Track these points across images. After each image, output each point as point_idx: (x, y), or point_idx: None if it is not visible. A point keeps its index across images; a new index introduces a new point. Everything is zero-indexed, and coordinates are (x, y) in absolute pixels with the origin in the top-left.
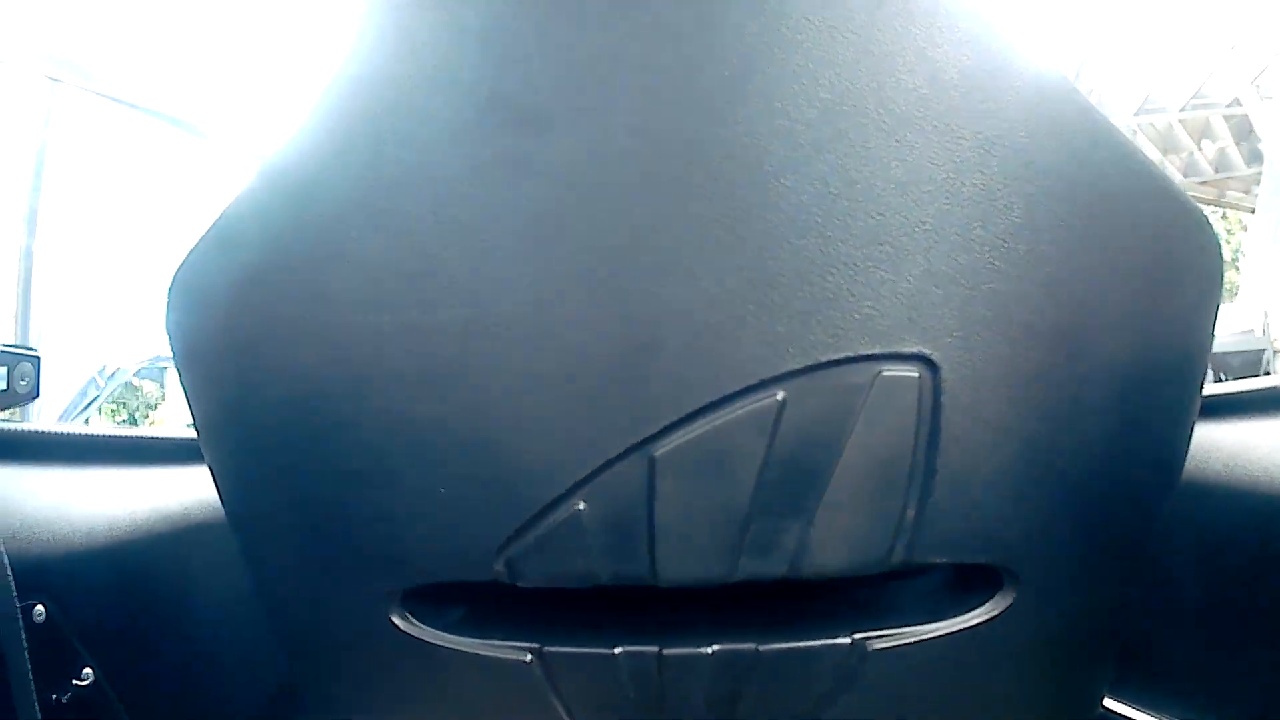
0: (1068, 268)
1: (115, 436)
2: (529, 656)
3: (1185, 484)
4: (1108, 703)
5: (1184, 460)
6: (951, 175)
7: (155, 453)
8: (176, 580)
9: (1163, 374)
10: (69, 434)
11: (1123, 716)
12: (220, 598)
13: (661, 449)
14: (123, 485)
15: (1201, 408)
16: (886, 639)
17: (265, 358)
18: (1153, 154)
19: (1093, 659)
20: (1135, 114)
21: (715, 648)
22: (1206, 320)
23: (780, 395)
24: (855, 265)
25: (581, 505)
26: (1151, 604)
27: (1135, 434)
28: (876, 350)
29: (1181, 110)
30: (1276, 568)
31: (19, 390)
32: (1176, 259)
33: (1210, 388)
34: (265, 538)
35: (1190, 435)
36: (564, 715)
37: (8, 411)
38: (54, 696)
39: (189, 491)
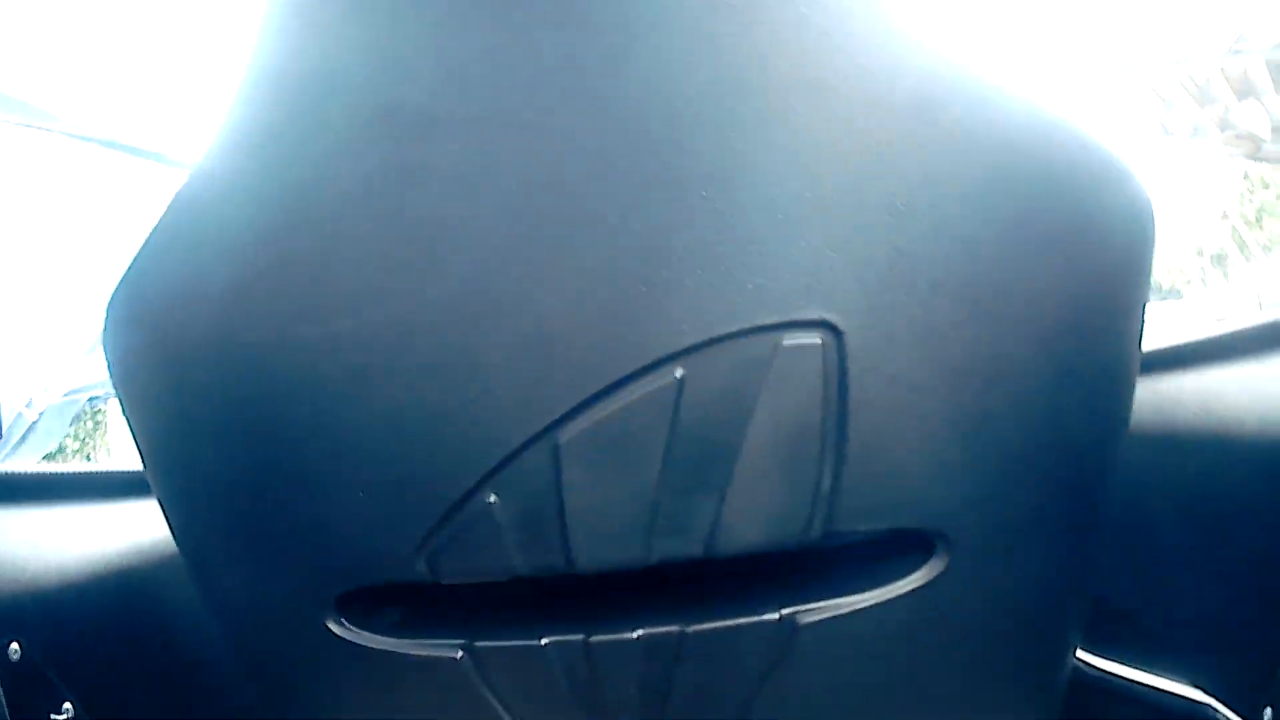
0: (975, 223)
1: (82, 474)
2: (459, 653)
3: (1156, 435)
4: (1094, 660)
5: (1125, 419)
6: (841, 137)
7: (123, 487)
8: (152, 612)
9: (1091, 326)
10: (36, 474)
11: (1110, 673)
12: (196, 627)
13: (565, 435)
14: (93, 521)
15: (1170, 358)
16: (817, 612)
17: (194, 374)
18: (1188, 105)
19: (1047, 619)
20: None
21: (641, 632)
22: (1139, 273)
23: (679, 373)
24: (748, 236)
25: (492, 498)
26: (1130, 557)
27: (1063, 389)
28: (775, 320)
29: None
30: (1254, 514)
31: None
32: (1096, 209)
33: (1177, 336)
34: (211, 558)
35: (1130, 393)
36: (500, 710)
37: None
38: None
39: (159, 524)
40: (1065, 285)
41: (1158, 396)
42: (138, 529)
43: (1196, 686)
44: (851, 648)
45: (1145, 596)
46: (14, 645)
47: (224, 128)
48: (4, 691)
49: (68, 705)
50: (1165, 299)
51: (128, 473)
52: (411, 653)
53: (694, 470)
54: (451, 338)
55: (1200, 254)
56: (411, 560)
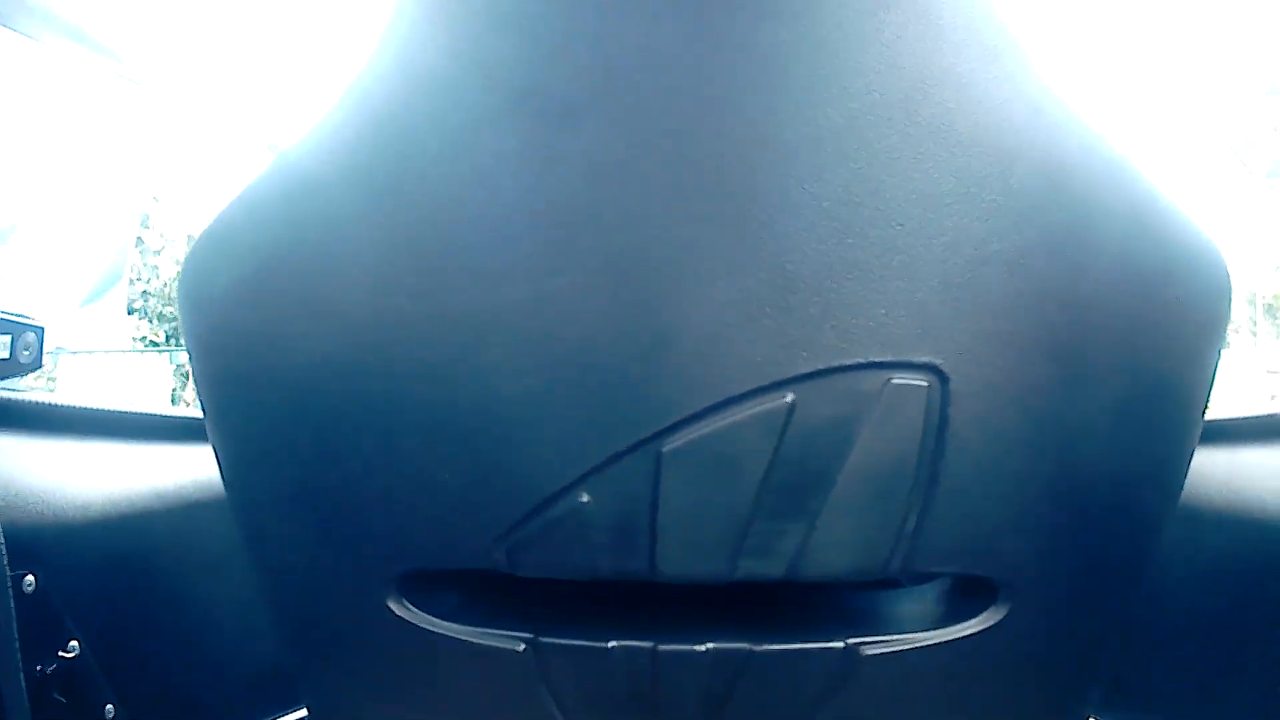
0: (1079, 288)
1: (116, 411)
2: (523, 646)
3: (1181, 508)
4: None
5: (1182, 484)
6: (971, 189)
7: (155, 430)
8: (169, 559)
9: (1166, 397)
10: (69, 406)
11: None
12: (212, 579)
13: (669, 445)
14: (121, 461)
15: (1202, 433)
16: (879, 645)
17: (276, 344)
18: (1270, 141)
19: (1080, 678)
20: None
21: (710, 646)
22: (1211, 346)
23: (790, 398)
24: (871, 272)
25: (585, 497)
26: (1142, 627)
27: (1136, 455)
28: (888, 358)
29: None
30: (1267, 595)
31: (22, 360)
32: (1184, 285)
33: (1212, 412)
34: (267, 521)
35: (1190, 460)
36: (553, 707)
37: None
38: (39, 667)
39: (186, 471)
40: (1148, 356)
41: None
42: (163, 474)
43: None
44: (907, 684)
45: (1148, 663)
46: (29, 577)
47: (338, 104)
48: (17, 623)
49: (75, 643)
50: None
51: (160, 416)
52: (473, 640)
53: (790, 494)
54: (570, 330)
55: (1252, 303)
56: (490, 548)
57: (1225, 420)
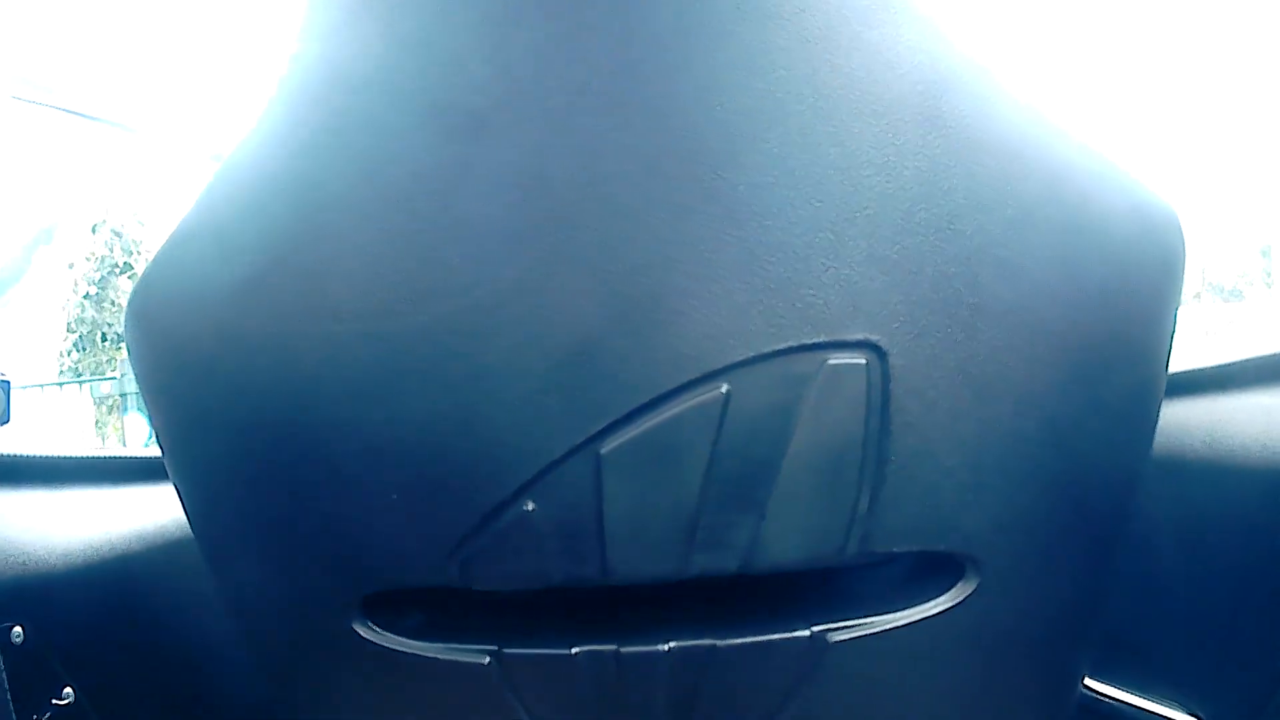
0: (1015, 248)
1: (88, 457)
2: (487, 659)
3: (1165, 462)
4: (1093, 684)
5: (1150, 444)
6: (892, 158)
7: (129, 472)
8: (155, 598)
9: (1123, 355)
10: (42, 456)
11: (1108, 697)
12: (200, 616)
13: (607, 446)
14: (99, 505)
15: (1180, 384)
16: (847, 630)
17: (222, 370)
18: None
19: (1066, 643)
20: None
21: (672, 645)
22: (1168, 303)
23: (724, 388)
24: (796, 253)
25: (530, 506)
26: (1133, 584)
27: (1095, 416)
28: (821, 338)
29: None
30: (1258, 543)
31: None
32: (1133, 239)
33: (1187, 363)
34: (230, 551)
35: (1156, 417)
36: (524, 717)
37: None
38: (33, 717)
39: (165, 511)
40: (1099, 313)
41: (1166, 423)
42: (142, 515)
43: (1192, 713)
44: (877, 667)
45: (1143, 620)
46: (16, 629)
47: (262, 120)
48: (6, 675)
49: (68, 690)
50: (1227, 300)
51: (133, 458)
52: (438, 657)
53: (735, 485)
54: (495, 342)
55: (1266, 255)
56: (443, 565)
57: (1202, 370)
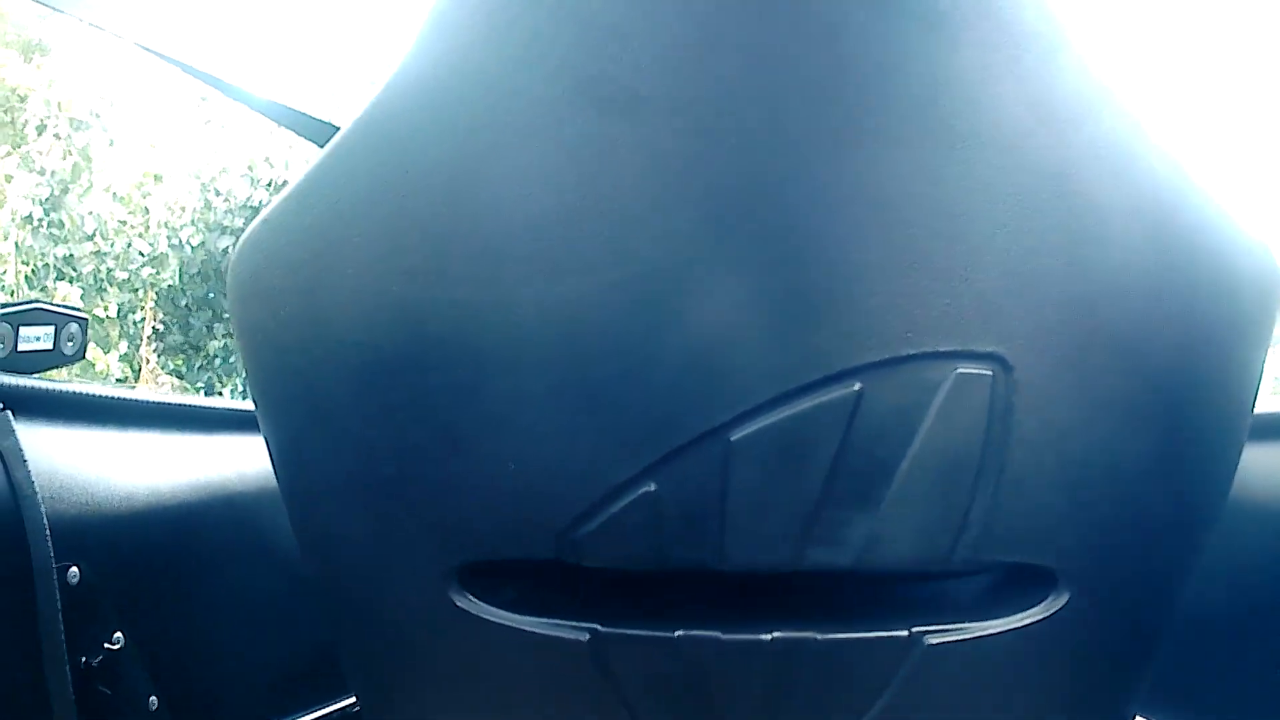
0: (1132, 280)
1: (159, 402)
2: (586, 637)
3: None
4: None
5: (1230, 481)
6: (1029, 183)
7: (196, 420)
8: (211, 551)
9: (1218, 391)
10: (112, 397)
11: None
12: (254, 571)
13: (738, 434)
14: (164, 452)
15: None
16: (942, 634)
17: (331, 334)
18: None
19: (1133, 670)
20: None
21: (775, 635)
22: (1259, 344)
23: (858, 386)
24: (936, 263)
25: (653, 487)
26: (1189, 623)
27: (1190, 448)
28: (954, 347)
29: None
30: None
31: (65, 351)
32: (1235, 282)
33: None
34: (322, 513)
35: (1241, 447)
36: (615, 697)
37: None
38: (84, 659)
39: (228, 463)
40: (1204, 346)
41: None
42: (205, 465)
43: None
44: (964, 672)
45: (1194, 663)
46: (74, 569)
47: (391, 92)
48: (62, 615)
49: (119, 635)
50: None
51: (200, 407)
52: (535, 631)
53: (857, 483)
54: (634, 321)
55: None
56: (553, 539)
57: (1266, 415)
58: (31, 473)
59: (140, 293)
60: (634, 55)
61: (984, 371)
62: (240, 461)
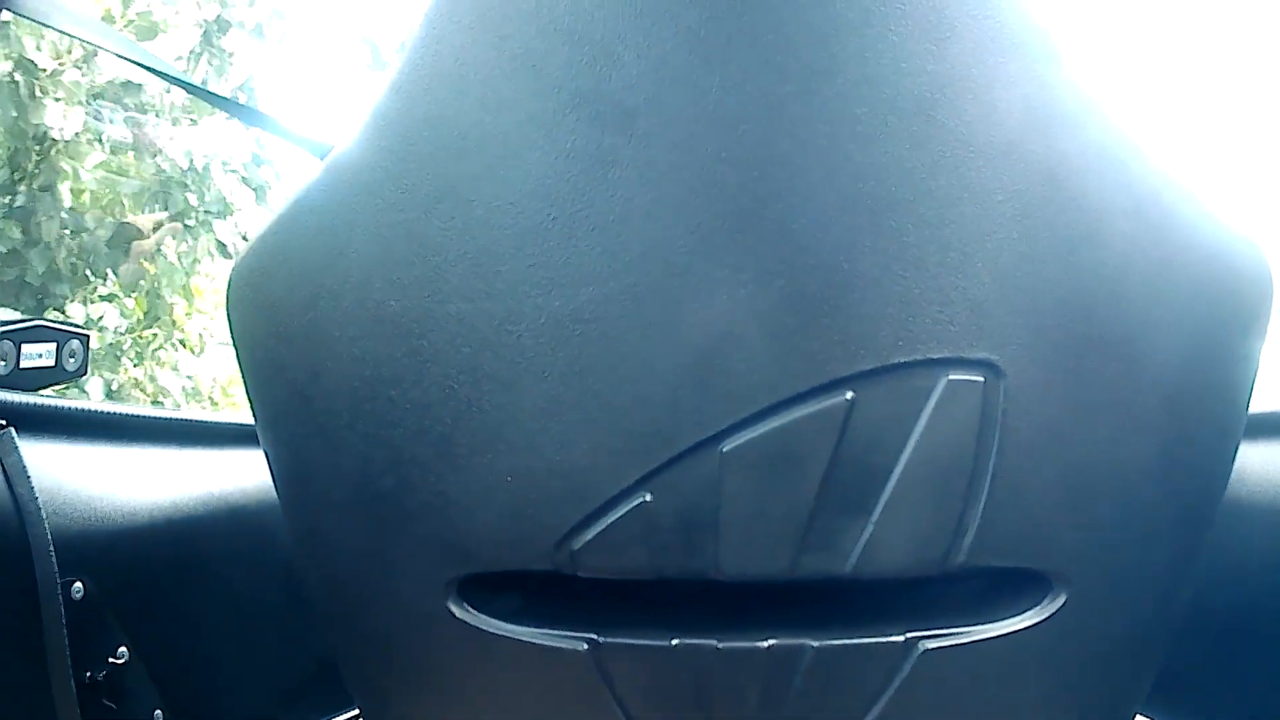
0: (1125, 283)
1: (161, 417)
2: (584, 646)
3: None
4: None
5: (1226, 481)
6: (1022, 188)
7: (200, 435)
8: (214, 564)
9: (1213, 391)
10: (114, 412)
11: None
12: (257, 584)
13: (730, 444)
14: (166, 466)
15: (1251, 426)
16: (938, 638)
17: (332, 345)
18: None
19: (1132, 672)
20: None
21: (771, 642)
22: (1254, 342)
23: (850, 395)
24: (928, 270)
25: (648, 497)
26: (1191, 622)
27: (1185, 449)
28: (946, 354)
29: None
30: None
31: (67, 367)
32: (1230, 282)
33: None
34: (322, 525)
35: (1237, 447)
36: (615, 706)
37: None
38: (89, 674)
39: (230, 476)
40: (1198, 348)
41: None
42: (206, 479)
43: None
44: (960, 676)
45: (1193, 662)
46: (77, 584)
47: (384, 105)
48: (67, 630)
49: (123, 649)
50: None
51: (201, 421)
52: (534, 642)
53: (850, 491)
54: (625, 333)
55: None
56: (550, 550)
57: (1261, 415)
58: (35, 488)
59: None
60: (626, 69)
61: (975, 378)
62: (241, 475)
